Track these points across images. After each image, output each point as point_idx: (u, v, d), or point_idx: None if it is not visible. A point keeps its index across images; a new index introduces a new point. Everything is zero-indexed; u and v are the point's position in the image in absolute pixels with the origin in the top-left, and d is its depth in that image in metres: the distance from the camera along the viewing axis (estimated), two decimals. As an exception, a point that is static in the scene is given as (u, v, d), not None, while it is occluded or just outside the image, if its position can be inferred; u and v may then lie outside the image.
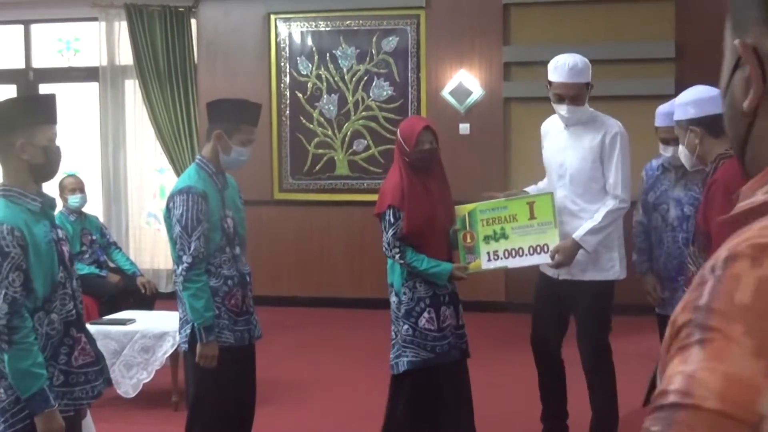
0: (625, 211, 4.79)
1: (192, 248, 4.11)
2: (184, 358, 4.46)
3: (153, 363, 6.02)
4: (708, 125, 3.87)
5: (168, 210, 4.24)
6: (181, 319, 4.33)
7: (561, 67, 4.77)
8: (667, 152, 4.70)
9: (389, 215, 4.55)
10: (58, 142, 3.44)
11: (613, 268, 4.87)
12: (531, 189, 5.10)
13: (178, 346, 4.49)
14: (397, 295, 4.64)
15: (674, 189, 4.65)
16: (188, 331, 4.23)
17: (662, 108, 4.77)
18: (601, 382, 4.92)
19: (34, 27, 10.68)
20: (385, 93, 9.65)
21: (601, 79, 8.86)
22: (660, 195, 4.70)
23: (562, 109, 4.81)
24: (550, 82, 4.84)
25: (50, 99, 3.46)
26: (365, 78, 9.69)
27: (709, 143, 3.89)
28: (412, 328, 4.57)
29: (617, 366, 4.99)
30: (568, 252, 4.70)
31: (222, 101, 4.52)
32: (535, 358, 5.08)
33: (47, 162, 3.38)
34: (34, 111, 3.38)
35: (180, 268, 4.16)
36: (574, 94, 4.76)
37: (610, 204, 4.75)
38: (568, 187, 4.86)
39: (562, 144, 4.92)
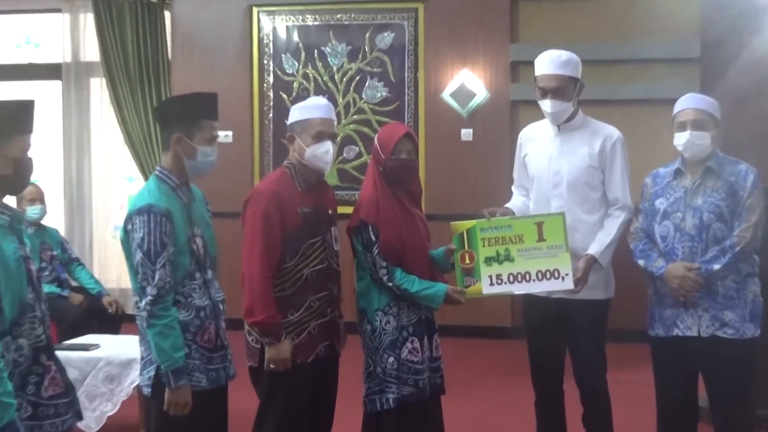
0: (631, 222, 4.88)
1: (156, 278, 3.88)
2: (145, 404, 4.27)
3: (119, 393, 5.98)
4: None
5: (126, 233, 4.00)
6: (143, 358, 4.10)
7: (543, 58, 4.89)
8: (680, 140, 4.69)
9: (369, 232, 4.55)
10: (30, 153, 3.37)
11: (609, 285, 4.96)
12: (510, 207, 5.07)
13: (139, 389, 4.26)
14: (370, 323, 4.62)
15: (692, 196, 4.63)
16: (152, 373, 4.01)
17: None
18: (598, 420, 5.01)
19: (-10, 19, 10.69)
20: (379, 94, 9.65)
21: (617, 81, 8.95)
22: (674, 202, 4.68)
23: (545, 104, 4.88)
24: (535, 78, 4.94)
25: (29, 106, 3.38)
26: (357, 78, 9.70)
27: None
28: (396, 360, 4.56)
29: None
30: (588, 270, 4.75)
31: (171, 101, 4.35)
32: (536, 391, 5.14)
33: (15, 174, 3.32)
34: (11, 120, 3.29)
35: (143, 301, 3.90)
36: (555, 87, 4.82)
37: (620, 215, 4.85)
38: (565, 197, 4.89)
39: (554, 150, 4.95)
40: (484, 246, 4.68)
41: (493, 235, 4.69)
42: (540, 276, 4.65)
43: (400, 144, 4.61)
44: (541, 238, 4.66)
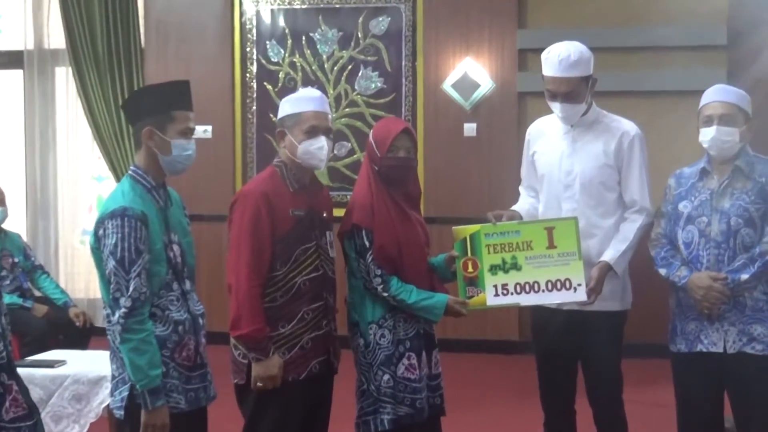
0: (650, 227, 4.89)
1: (131, 288, 3.86)
2: (117, 427, 4.24)
3: (87, 414, 5.98)
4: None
5: (97, 239, 3.98)
6: (115, 377, 4.09)
7: (551, 58, 4.86)
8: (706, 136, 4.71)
9: (362, 237, 4.57)
10: None
11: (625, 295, 4.97)
12: (518, 210, 5.09)
13: (110, 411, 4.25)
14: (363, 336, 4.63)
15: (719, 198, 4.64)
16: (125, 393, 3.99)
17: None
18: None
19: (-57, 1, 10.68)
20: (373, 85, 9.67)
21: (635, 70, 8.97)
22: (699, 205, 4.68)
23: (555, 107, 4.90)
24: (543, 76, 4.93)
25: None
26: (349, 67, 9.72)
27: None
28: (392, 377, 4.57)
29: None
30: (602, 279, 4.75)
31: (138, 93, 4.37)
32: (545, 411, 5.15)
33: None
34: None
35: (116, 314, 3.89)
36: (566, 91, 4.82)
37: (638, 219, 4.85)
38: (578, 199, 4.90)
39: (566, 148, 4.97)
40: (489, 253, 4.69)
41: (499, 241, 4.69)
42: (550, 286, 4.67)
43: (398, 140, 4.62)
44: (551, 245, 4.67)
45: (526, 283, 4.66)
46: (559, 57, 4.80)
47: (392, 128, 4.68)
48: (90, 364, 6.19)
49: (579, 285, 4.65)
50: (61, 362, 6.21)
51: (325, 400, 4.70)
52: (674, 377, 4.86)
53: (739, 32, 8.81)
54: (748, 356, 4.58)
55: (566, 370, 5.02)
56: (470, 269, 4.69)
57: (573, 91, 4.81)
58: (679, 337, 4.76)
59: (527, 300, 4.70)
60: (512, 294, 4.68)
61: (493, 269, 4.68)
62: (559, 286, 4.66)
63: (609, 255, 4.78)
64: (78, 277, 10.38)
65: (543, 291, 4.67)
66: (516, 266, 4.67)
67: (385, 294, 4.53)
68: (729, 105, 4.65)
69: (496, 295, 4.68)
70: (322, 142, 4.50)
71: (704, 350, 4.64)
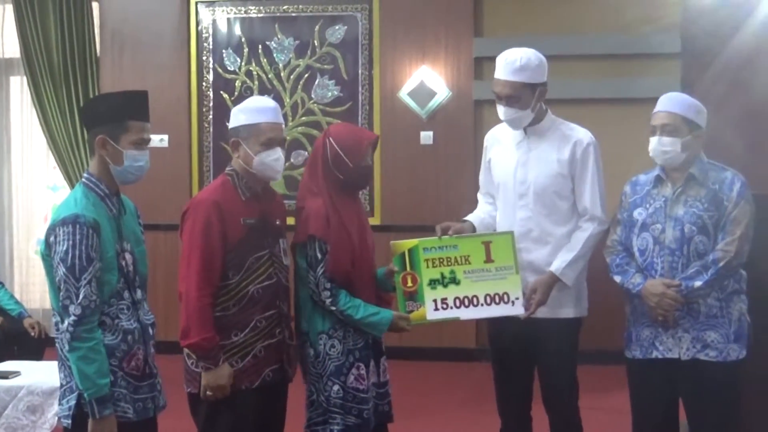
0: (603, 235, 4.88)
1: (81, 296, 3.84)
2: None
3: (42, 426, 5.94)
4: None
5: (48, 246, 3.96)
6: (63, 386, 4.04)
7: (499, 60, 4.89)
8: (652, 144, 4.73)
9: (315, 249, 4.53)
10: None
11: (580, 302, 4.96)
12: (472, 219, 5.09)
13: (58, 420, 4.21)
14: (312, 346, 4.60)
15: (673, 206, 4.65)
16: (72, 402, 3.95)
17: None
18: None
19: None
20: (329, 94, 9.66)
21: (591, 78, 9.01)
22: (653, 212, 4.69)
23: (500, 110, 4.92)
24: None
25: None
26: (306, 75, 9.71)
27: None
28: (342, 388, 4.55)
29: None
30: (547, 289, 4.75)
31: (96, 100, 4.34)
32: (501, 418, 5.14)
33: None
34: None
35: (65, 322, 3.86)
36: (507, 94, 4.83)
37: (589, 228, 4.83)
38: (531, 207, 4.90)
39: (521, 156, 4.96)
40: (427, 267, 4.69)
41: (438, 255, 4.70)
42: (489, 300, 4.69)
43: (368, 150, 4.64)
44: (488, 259, 4.69)
45: (465, 297, 4.68)
46: (506, 60, 4.83)
47: (363, 138, 4.68)
48: (45, 375, 6.15)
49: (517, 299, 4.69)
50: (16, 373, 6.17)
51: (279, 409, 4.68)
52: (629, 383, 4.87)
53: (693, 41, 8.85)
54: (702, 363, 4.60)
55: (522, 376, 5.03)
56: (409, 284, 4.68)
57: (514, 95, 4.81)
58: (634, 343, 4.77)
59: (467, 314, 4.72)
60: (452, 308, 4.69)
61: (432, 283, 4.68)
62: (497, 299, 4.69)
63: (555, 265, 4.78)
64: (33, 287, 10.29)
65: (482, 305, 4.69)
66: (455, 280, 4.68)
67: (333, 308, 4.50)
68: (672, 115, 4.66)
69: (436, 309, 4.68)
70: (278, 154, 4.49)
71: (659, 357, 4.66)
